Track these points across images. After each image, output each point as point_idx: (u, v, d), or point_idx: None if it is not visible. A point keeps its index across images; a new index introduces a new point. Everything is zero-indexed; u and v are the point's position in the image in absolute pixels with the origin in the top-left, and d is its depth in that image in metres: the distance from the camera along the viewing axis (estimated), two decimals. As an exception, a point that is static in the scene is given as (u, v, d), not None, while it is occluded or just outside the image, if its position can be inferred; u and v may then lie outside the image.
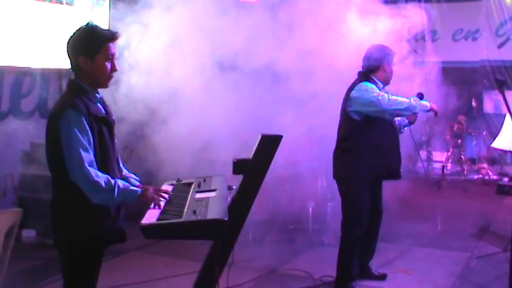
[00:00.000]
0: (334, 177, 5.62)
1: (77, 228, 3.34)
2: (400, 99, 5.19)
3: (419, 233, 7.39)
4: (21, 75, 7.22)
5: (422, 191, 10.06)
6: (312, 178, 7.41)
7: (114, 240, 3.51)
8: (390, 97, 5.15)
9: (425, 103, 5.34)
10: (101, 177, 3.25)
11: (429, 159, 11.87)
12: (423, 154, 12.04)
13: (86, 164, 3.21)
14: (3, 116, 7.20)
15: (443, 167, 10.99)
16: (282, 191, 7.31)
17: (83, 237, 3.34)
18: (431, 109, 5.41)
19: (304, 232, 7.19)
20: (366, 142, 5.29)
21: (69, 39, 3.41)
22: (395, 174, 5.57)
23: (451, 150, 11.68)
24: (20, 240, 6.76)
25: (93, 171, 3.23)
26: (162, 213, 3.36)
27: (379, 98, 5.12)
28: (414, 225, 7.78)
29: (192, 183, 3.98)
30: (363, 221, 5.44)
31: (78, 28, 3.43)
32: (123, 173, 3.75)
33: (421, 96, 5.41)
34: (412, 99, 5.25)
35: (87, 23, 3.44)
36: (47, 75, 7.38)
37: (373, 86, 5.27)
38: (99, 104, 3.46)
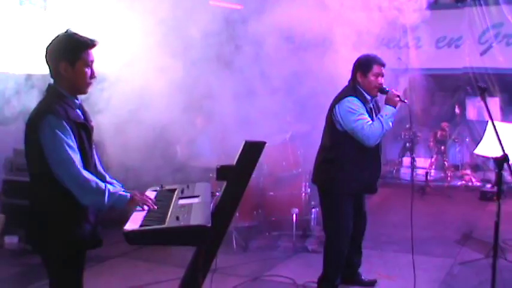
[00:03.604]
0: (314, 181, 5.65)
1: (56, 232, 3.36)
2: (376, 125, 5.13)
3: (403, 239, 7.41)
4: (4, 81, 7.16)
5: (405, 197, 10.07)
6: (296, 184, 7.43)
7: (90, 245, 3.54)
8: (370, 125, 5.11)
9: (391, 109, 5.21)
10: (91, 179, 3.30)
11: (413, 165, 11.92)
12: (407, 160, 12.12)
13: (77, 164, 3.25)
14: (-15, 123, 7.16)
15: (426, 173, 11.04)
16: (265, 198, 7.33)
17: (62, 240, 3.37)
18: (399, 100, 5.25)
19: (288, 238, 7.18)
20: (348, 154, 5.28)
21: (48, 46, 3.46)
22: (372, 189, 5.61)
23: (434, 156, 11.73)
24: (2, 246, 6.73)
25: (84, 172, 3.28)
26: (145, 219, 3.37)
27: (358, 129, 5.10)
28: (397, 231, 7.81)
29: (175, 190, 3.99)
30: (348, 233, 5.45)
31: (56, 35, 3.48)
32: (107, 179, 3.78)
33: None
34: (384, 117, 5.17)
35: (66, 30, 3.49)
36: (31, 80, 7.33)
37: (357, 102, 5.21)
38: (78, 110, 3.51)
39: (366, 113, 5.22)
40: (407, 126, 10.91)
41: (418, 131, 11.60)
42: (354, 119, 5.15)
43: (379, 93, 5.37)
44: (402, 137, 11.44)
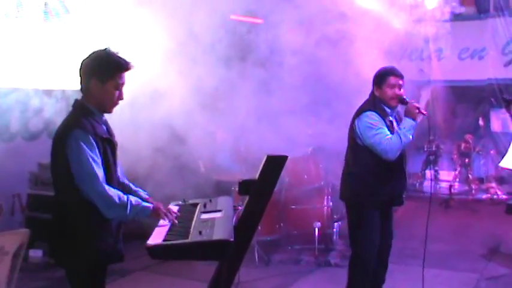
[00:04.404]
0: (341, 197, 5.60)
1: (78, 244, 3.40)
2: (394, 139, 5.04)
3: (427, 253, 7.33)
4: (29, 96, 7.25)
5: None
6: (318, 198, 7.40)
7: (112, 259, 3.57)
8: (388, 139, 5.03)
9: (410, 122, 5.11)
10: (114, 193, 3.36)
11: (436, 178, 11.80)
12: (430, 173, 12.00)
13: (100, 179, 3.31)
14: (11, 137, 7.27)
15: (450, 186, 10.92)
16: (287, 211, 7.30)
17: (84, 253, 3.40)
18: (418, 112, 5.15)
19: (311, 252, 7.16)
20: (370, 168, 5.20)
21: (84, 60, 3.51)
22: (398, 202, 5.54)
23: (458, 169, 11.61)
24: (27, 260, 6.77)
25: (107, 186, 3.34)
26: (168, 233, 3.39)
27: (377, 144, 5.04)
28: (421, 245, 7.71)
29: (197, 204, 4.01)
30: (374, 248, 5.35)
31: (95, 50, 3.52)
32: (132, 188, 3.86)
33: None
34: (402, 130, 5.07)
35: (105, 48, 3.53)
36: (54, 96, 7.42)
37: (375, 116, 5.14)
38: (103, 126, 3.55)
39: (384, 127, 5.15)
40: (431, 138, 10.81)
41: (441, 143, 11.50)
42: (373, 133, 5.10)
43: (400, 104, 5.31)
44: (425, 149, 11.32)
